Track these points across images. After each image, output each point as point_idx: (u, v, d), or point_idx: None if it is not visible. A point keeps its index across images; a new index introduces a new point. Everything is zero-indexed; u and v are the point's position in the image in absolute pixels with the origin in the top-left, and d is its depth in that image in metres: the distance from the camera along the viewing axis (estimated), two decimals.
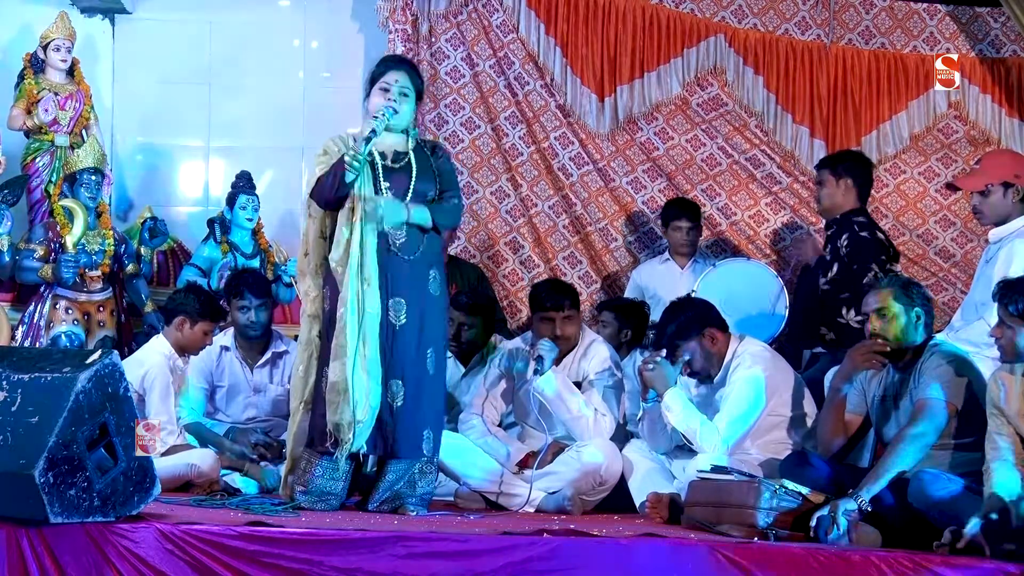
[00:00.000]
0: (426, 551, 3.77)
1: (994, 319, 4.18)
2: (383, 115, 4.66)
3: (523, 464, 5.23)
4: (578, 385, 5.31)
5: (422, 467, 4.75)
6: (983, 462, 4.05)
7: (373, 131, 4.62)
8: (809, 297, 5.81)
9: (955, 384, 4.26)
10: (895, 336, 4.41)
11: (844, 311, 5.45)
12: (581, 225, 7.07)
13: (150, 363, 5.38)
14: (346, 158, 4.55)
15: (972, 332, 4.80)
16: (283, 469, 4.87)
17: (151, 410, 5.21)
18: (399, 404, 4.65)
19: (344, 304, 4.57)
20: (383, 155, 4.77)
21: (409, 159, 4.78)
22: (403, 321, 4.67)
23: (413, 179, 4.73)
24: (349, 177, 4.58)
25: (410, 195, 4.70)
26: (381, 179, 4.71)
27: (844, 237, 5.57)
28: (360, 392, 4.53)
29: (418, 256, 4.71)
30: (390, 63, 4.93)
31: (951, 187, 5.65)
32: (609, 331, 5.94)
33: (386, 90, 4.78)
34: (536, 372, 5.15)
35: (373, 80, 4.85)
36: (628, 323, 6.02)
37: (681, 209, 6.69)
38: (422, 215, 4.70)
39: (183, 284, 6.63)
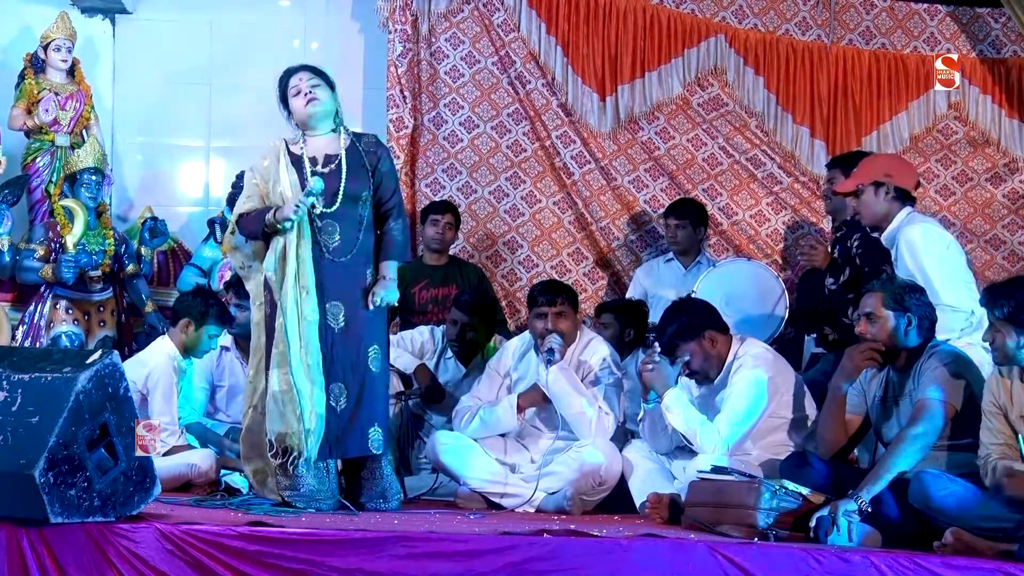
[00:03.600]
0: (426, 551, 3.76)
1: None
2: (315, 190, 4.60)
3: (520, 408, 5.25)
4: None
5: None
6: None
7: (312, 188, 4.58)
8: (811, 298, 5.80)
9: (954, 385, 4.26)
10: (882, 340, 4.41)
11: (849, 311, 5.43)
12: (583, 223, 7.07)
13: (154, 363, 5.39)
14: (290, 214, 4.54)
15: None
16: (247, 471, 4.82)
17: (154, 410, 5.22)
18: (342, 406, 4.63)
19: (283, 313, 4.56)
20: (313, 160, 4.75)
21: (340, 161, 4.74)
22: (341, 324, 4.66)
23: (343, 180, 4.69)
24: (287, 227, 4.57)
25: (340, 197, 4.67)
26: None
27: (855, 238, 5.54)
28: (305, 400, 4.52)
29: (352, 257, 4.70)
30: (288, 71, 4.87)
31: (837, 194, 5.63)
32: (610, 332, 5.92)
33: (299, 92, 4.78)
34: (548, 362, 5.16)
35: (283, 95, 4.84)
36: (629, 323, 6.01)
37: (671, 207, 6.69)
38: (394, 268, 4.75)
39: (183, 284, 6.66)
